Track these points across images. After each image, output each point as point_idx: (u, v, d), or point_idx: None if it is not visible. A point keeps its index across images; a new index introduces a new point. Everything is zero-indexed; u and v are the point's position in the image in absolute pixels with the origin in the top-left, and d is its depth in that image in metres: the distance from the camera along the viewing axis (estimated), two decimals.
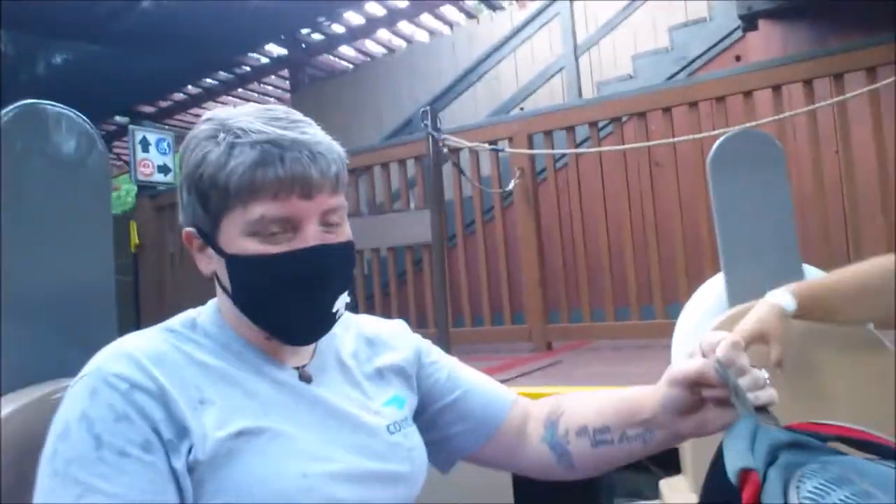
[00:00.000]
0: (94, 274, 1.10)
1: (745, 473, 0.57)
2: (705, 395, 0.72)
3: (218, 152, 0.69)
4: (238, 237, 0.70)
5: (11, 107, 1.25)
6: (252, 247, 0.70)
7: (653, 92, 3.29)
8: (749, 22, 3.75)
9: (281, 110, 0.74)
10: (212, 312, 0.78)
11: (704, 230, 2.94)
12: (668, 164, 3.14)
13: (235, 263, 0.71)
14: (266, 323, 0.73)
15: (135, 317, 4.61)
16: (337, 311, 0.75)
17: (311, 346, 0.81)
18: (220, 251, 0.72)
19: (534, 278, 3.40)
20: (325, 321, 0.75)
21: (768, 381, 0.68)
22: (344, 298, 0.75)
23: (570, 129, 3.40)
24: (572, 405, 0.87)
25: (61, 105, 1.36)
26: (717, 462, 0.62)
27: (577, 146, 3.49)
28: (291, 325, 0.73)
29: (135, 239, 4.84)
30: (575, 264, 3.36)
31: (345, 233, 0.75)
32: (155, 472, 0.63)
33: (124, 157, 7.66)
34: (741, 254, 1.51)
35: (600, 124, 3.45)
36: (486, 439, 0.87)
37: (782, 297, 1.15)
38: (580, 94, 4.54)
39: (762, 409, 0.66)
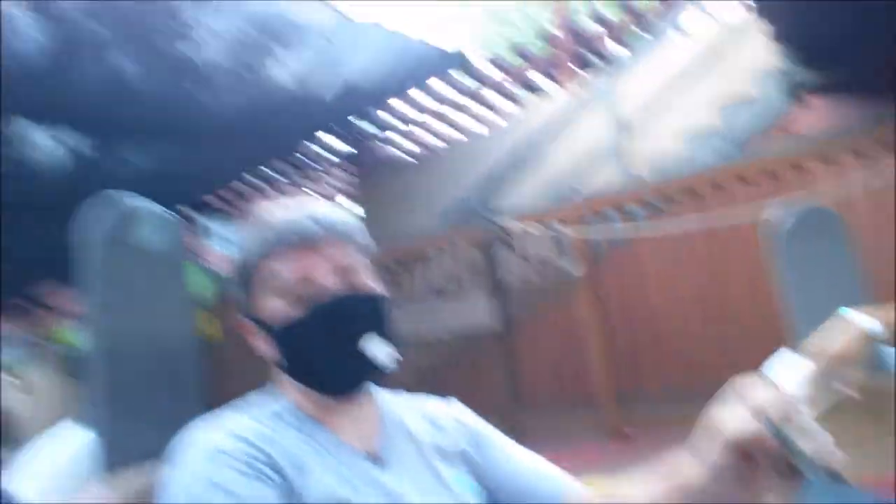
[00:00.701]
0: (180, 356, 1.17)
1: None
2: (761, 461, 0.61)
3: (246, 241, 0.81)
4: (266, 302, 0.77)
5: (94, 198, 1.36)
6: (278, 306, 0.76)
7: (705, 170, 3.32)
8: (797, 97, 3.78)
9: (303, 198, 0.85)
10: (277, 395, 0.82)
11: (769, 303, 2.88)
12: (726, 239, 3.13)
13: (268, 326, 0.77)
14: (304, 375, 0.78)
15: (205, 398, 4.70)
16: (374, 357, 0.77)
17: (375, 423, 0.82)
18: (257, 322, 0.79)
19: (602, 362, 3.35)
20: (358, 365, 0.77)
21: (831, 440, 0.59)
22: (384, 347, 0.77)
23: (629, 210, 3.43)
24: (625, 493, 0.82)
25: (140, 196, 1.47)
26: None
27: (637, 226, 3.51)
28: (325, 371, 0.77)
29: (214, 331, 5.00)
30: (645, 346, 3.31)
31: (368, 284, 0.79)
32: None
33: (193, 245, 8.00)
34: (812, 325, 1.50)
35: (654, 203, 3.48)
36: None
37: (864, 319, 1.12)
38: (631, 177, 4.60)
39: (833, 474, 0.57)
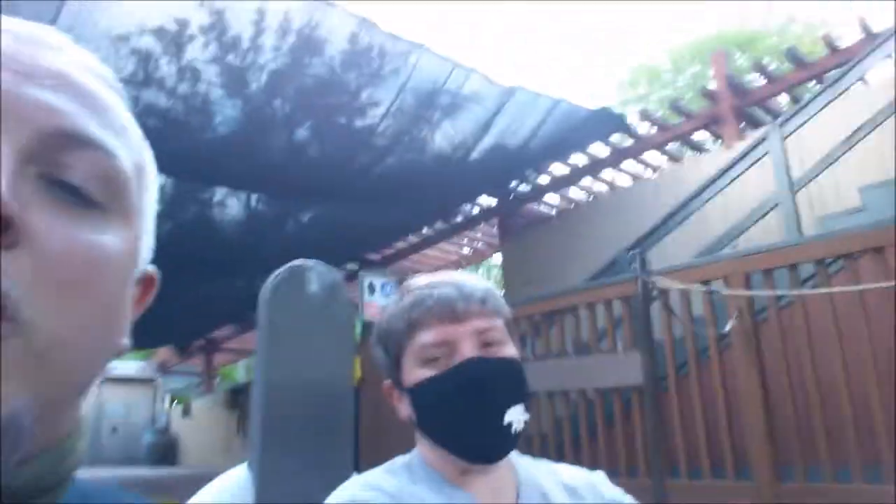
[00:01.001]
0: (339, 410, 1.28)
1: None
2: None
3: (394, 307, 0.86)
4: (412, 371, 0.82)
5: (283, 268, 1.56)
6: (422, 374, 0.81)
7: (891, 223, 3.01)
8: None
9: (448, 272, 0.91)
10: (418, 458, 0.86)
11: None
12: None
13: (412, 393, 0.82)
14: (445, 441, 0.81)
15: (354, 447, 4.93)
16: (510, 424, 0.79)
17: (511, 487, 0.84)
18: (402, 388, 0.84)
19: (760, 428, 3.10)
20: (498, 434, 0.79)
21: None
22: (520, 414, 0.80)
23: (793, 267, 3.20)
24: None
25: (318, 261, 1.65)
26: None
27: (802, 286, 3.26)
28: (465, 440, 0.79)
29: (358, 373, 5.29)
30: (808, 415, 3.02)
31: (506, 350, 0.83)
32: None
33: (354, 300, 8.55)
34: None
35: (828, 261, 3.21)
36: None
37: None
38: (800, 231, 4.28)
39: None
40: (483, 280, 0.89)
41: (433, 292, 0.83)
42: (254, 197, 6.18)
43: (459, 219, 7.81)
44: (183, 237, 5.68)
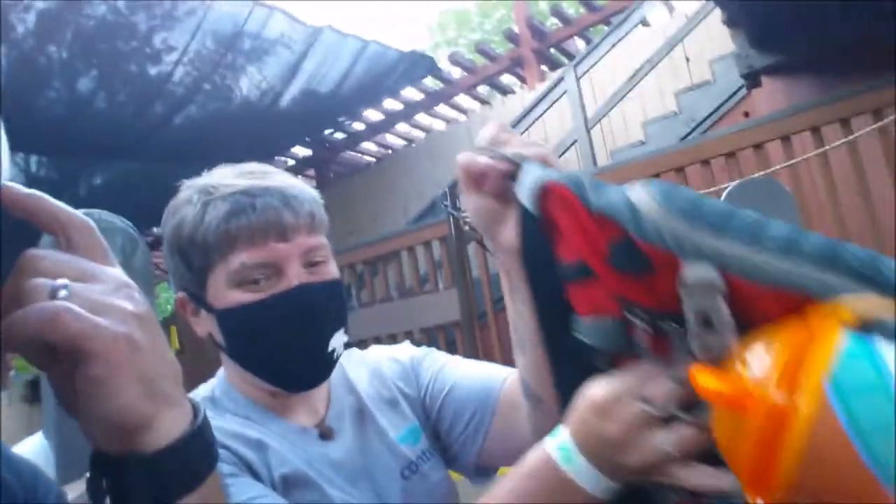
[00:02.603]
0: None
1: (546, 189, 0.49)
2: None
3: (193, 212, 0.72)
4: (224, 291, 0.70)
5: None
6: (238, 297, 0.70)
7: (665, 154, 3.37)
8: (752, 80, 3.86)
9: (253, 165, 0.77)
10: (222, 384, 0.78)
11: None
12: None
13: (224, 317, 0.71)
14: (264, 373, 0.73)
15: None
16: (334, 350, 0.74)
17: (325, 395, 0.80)
18: (209, 308, 0.72)
19: None
20: (323, 362, 0.74)
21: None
22: (341, 337, 0.75)
23: None
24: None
25: (108, 212, 1.49)
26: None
27: None
28: (289, 371, 0.73)
29: (175, 344, 4.96)
30: None
31: (330, 272, 0.75)
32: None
33: (161, 266, 7.95)
34: None
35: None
36: (487, 425, 0.79)
37: None
38: (595, 164, 4.64)
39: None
40: (308, 186, 0.77)
41: (255, 202, 0.70)
42: (33, 160, 5.44)
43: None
44: None
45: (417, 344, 0.93)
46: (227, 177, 0.74)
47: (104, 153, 5.52)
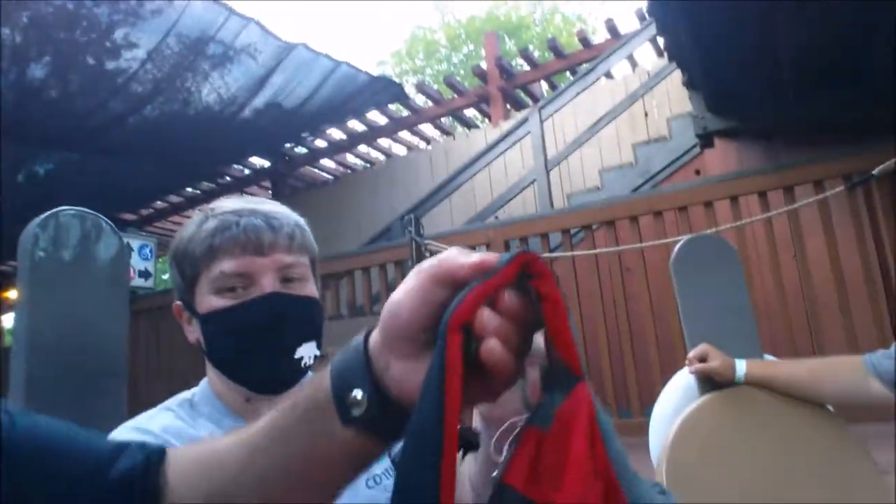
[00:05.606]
0: (110, 358, 1.18)
1: None
2: None
3: (191, 229, 0.81)
4: (206, 297, 0.78)
5: (43, 216, 1.38)
6: (216, 303, 0.78)
7: (621, 202, 3.50)
8: (705, 140, 4.05)
9: (256, 199, 0.85)
10: (203, 388, 0.83)
11: (676, 329, 3.03)
12: (638, 268, 3.29)
13: (204, 320, 0.79)
14: (233, 373, 0.79)
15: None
16: (301, 358, 0.79)
17: None
18: (195, 313, 0.80)
19: None
20: (289, 368, 0.79)
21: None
22: (311, 349, 0.80)
23: (545, 236, 3.57)
24: None
25: (85, 210, 1.47)
26: None
27: (551, 252, 3.65)
28: (255, 372, 0.78)
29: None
30: None
31: (307, 289, 0.82)
32: None
33: None
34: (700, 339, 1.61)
35: (572, 231, 3.63)
36: None
37: (738, 363, 1.47)
38: (552, 205, 4.76)
39: None
40: (294, 214, 0.85)
41: (240, 220, 0.78)
42: None
43: (228, 179, 7.37)
44: None
45: None
46: (229, 202, 0.83)
47: (52, 142, 5.33)
